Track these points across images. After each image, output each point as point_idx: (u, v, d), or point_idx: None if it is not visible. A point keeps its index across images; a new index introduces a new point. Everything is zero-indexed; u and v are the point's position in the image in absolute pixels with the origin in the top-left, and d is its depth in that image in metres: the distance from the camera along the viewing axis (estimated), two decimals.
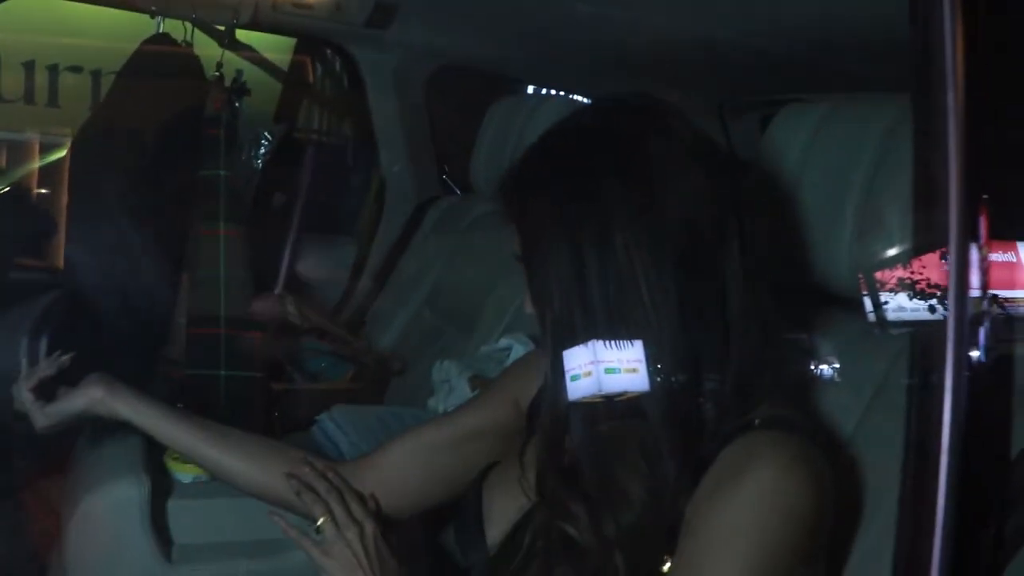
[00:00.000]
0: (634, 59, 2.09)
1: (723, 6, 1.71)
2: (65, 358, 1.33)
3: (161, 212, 2.27)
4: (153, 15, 2.40)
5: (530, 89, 3.04)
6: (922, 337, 0.76)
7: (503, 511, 1.11)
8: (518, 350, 1.79)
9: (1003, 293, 0.83)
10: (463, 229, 2.51)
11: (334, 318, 2.67)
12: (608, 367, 0.91)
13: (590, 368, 0.91)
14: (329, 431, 1.85)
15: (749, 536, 0.87)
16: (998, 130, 0.76)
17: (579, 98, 2.72)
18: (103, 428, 1.64)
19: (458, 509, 1.18)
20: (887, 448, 1.02)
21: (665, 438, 0.93)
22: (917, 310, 0.78)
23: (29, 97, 3.42)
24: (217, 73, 2.35)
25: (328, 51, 3.03)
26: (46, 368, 1.33)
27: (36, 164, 3.32)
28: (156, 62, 2.42)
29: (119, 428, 1.33)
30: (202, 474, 1.67)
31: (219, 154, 2.16)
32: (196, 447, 1.27)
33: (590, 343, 0.91)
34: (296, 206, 2.79)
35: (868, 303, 0.82)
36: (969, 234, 0.71)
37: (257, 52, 2.80)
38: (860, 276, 0.84)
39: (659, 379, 0.91)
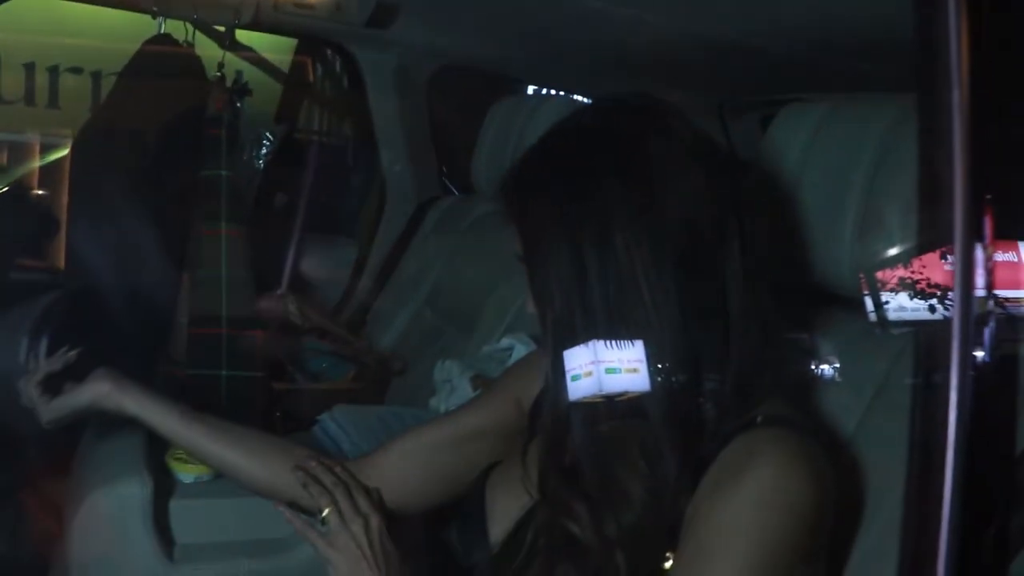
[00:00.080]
0: (634, 59, 2.09)
1: (723, 6, 1.71)
2: (72, 353, 1.34)
3: (162, 212, 2.27)
4: (154, 15, 2.40)
5: (531, 89, 3.04)
6: (926, 337, 0.76)
7: (505, 510, 1.11)
8: (520, 350, 1.79)
9: (1006, 293, 0.83)
10: (464, 229, 2.51)
11: (335, 318, 2.67)
12: (609, 367, 0.91)
13: (591, 368, 0.91)
14: (330, 431, 1.85)
15: (749, 534, 0.87)
16: (1003, 128, 0.76)
17: (580, 98, 2.72)
18: (108, 423, 1.64)
19: (460, 508, 1.18)
20: (888, 448, 1.02)
21: (666, 438, 0.93)
22: (918, 310, 0.78)
23: (29, 98, 3.42)
24: (218, 73, 2.35)
25: (329, 51, 3.03)
26: (53, 363, 1.33)
27: (36, 164, 3.33)
28: (158, 62, 2.42)
29: (124, 423, 1.33)
30: (204, 474, 1.67)
31: (221, 154, 2.16)
32: (200, 443, 1.27)
33: (591, 343, 0.91)
34: (297, 206, 2.79)
35: (869, 303, 0.82)
36: (974, 233, 0.71)
37: (258, 53, 2.80)
38: (861, 276, 0.84)
39: (660, 379, 0.91)
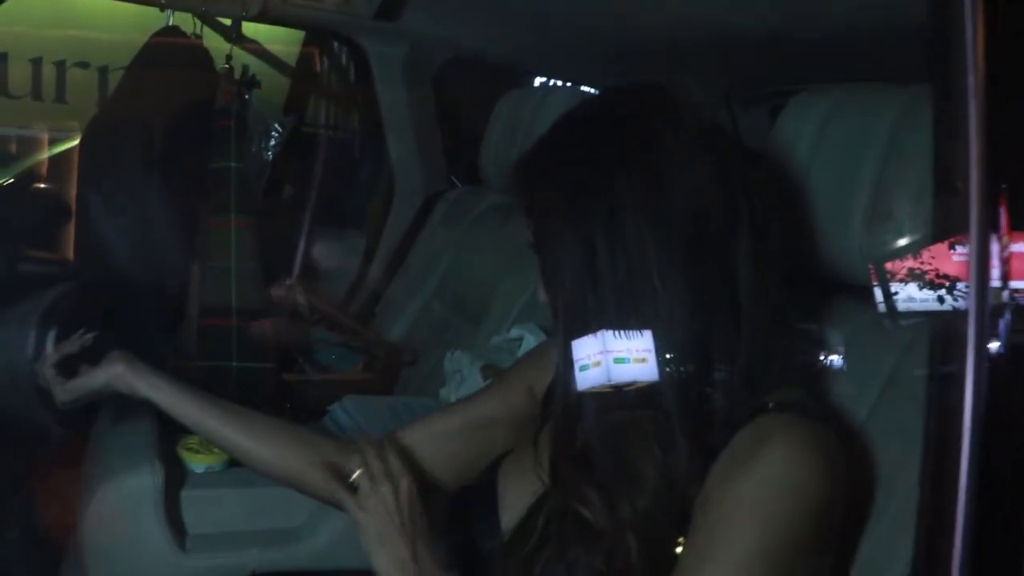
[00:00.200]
0: (643, 50, 2.08)
1: None
2: (88, 336, 1.34)
3: (171, 204, 2.27)
4: (162, 8, 2.40)
5: (538, 81, 3.03)
6: (940, 328, 0.76)
7: (517, 498, 1.11)
8: (529, 340, 1.79)
9: (1019, 284, 0.82)
10: (472, 221, 2.51)
11: (344, 309, 2.68)
12: (617, 357, 0.91)
13: (599, 358, 0.91)
14: (341, 421, 1.86)
15: (759, 517, 0.87)
16: (1019, 116, 0.75)
17: (588, 89, 2.71)
18: (119, 413, 1.65)
19: (472, 496, 1.18)
20: (899, 439, 1.02)
21: (676, 426, 0.93)
22: (927, 300, 0.78)
23: (36, 93, 3.42)
24: (227, 65, 2.35)
25: (337, 43, 3.03)
26: (69, 346, 1.33)
27: (45, 157, 3.33)
28: (166, 54, 2.42)
29: (135, 413, 1.34)
30: (215, 464, 1.68)
31: (229, 146, 2.17)
32: (213, 427, 1.27)
33: (599, 333, 0.91)
34: (306, 198, 2.79)
35: (878, 293, 0.82)
36: (989, 223, 0.71)
37: (265, 46, 2.80)
38: (871, 266, 0.84)
39: (669, 368, 0.92)
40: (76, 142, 2.72)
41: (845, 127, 1.20)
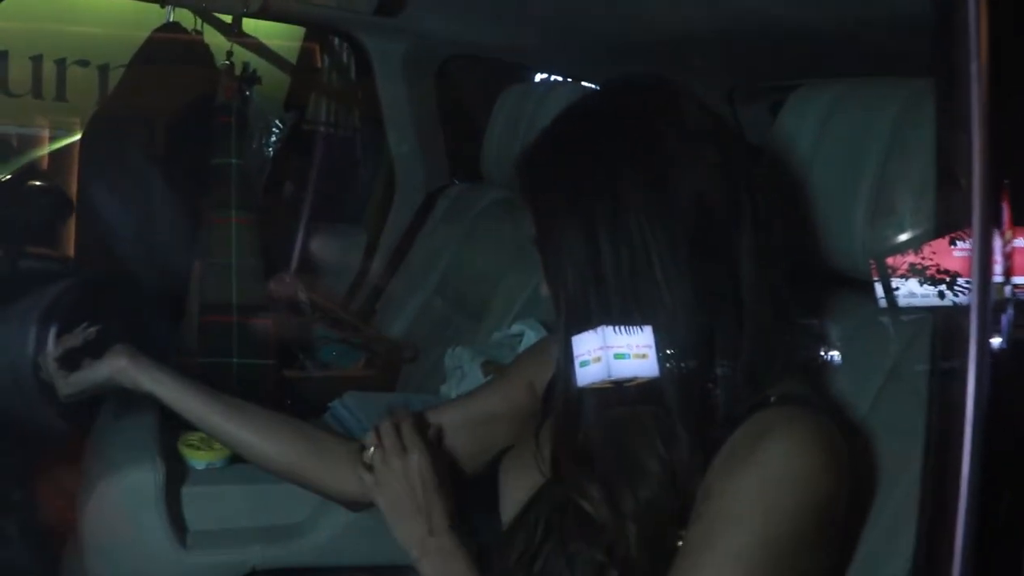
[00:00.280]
0: (645, 46, 2.08)
1: None
2: (91, 330, 1.34)
3: (173, 200, 2.27)
4: (163, 4, 2.39)
5: (539, 77, 3.03)
6: (942, 323, 0.76)
7: (517, 493, 1.11)
8: (530, 336, 1.79)
9: (1022, 279, 0.82)
10: (473, 217, 2.51)
11: (345, 306, 2.68)
12: (617, 353, 0.91)
13: (599, 354, 0.91)
14: (342, 417, 1.86)
15: (760, 510, 0.87)
16: (1022, 112, 0.75)
17: (589, 85, 2.71)
18: (121, 409, 1.65)
19: (473, 491, 1.18)
20: (900, 433, 1.02)
21: (678, 422, 0.93)
22: (928, 296, 0.78)
23: (37, 91, 3.42)
24: (227, 62, 2.34)
25: (337, 39, 3.03)
26: (72, 339, 1.33)
27: (46, 153, 3.33)
28: (167, 50, 2.41)
29: (136, 409, 1.34)
30: (216, 460, 1.68)
31: (230, 142, 2.17)
32: (216, 421, 1.27)
33: (599, 329, 0.91)
34: (307, 194, 2.79)
35: (881, 288, 0.82)
36: (992, 219, 0.70)
37: (265, 44, 2.79)
38: (872, 262, 0.84)
39: (670, 364, 0.91)
40: (77, 137, 2.73)
41: (847, 122, 1.20)
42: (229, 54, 2.35)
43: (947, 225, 0.75)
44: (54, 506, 1.75)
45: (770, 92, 2.47)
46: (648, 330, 0.91)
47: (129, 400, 1.31)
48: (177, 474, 1.63)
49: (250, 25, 2.59)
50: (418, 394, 2.04)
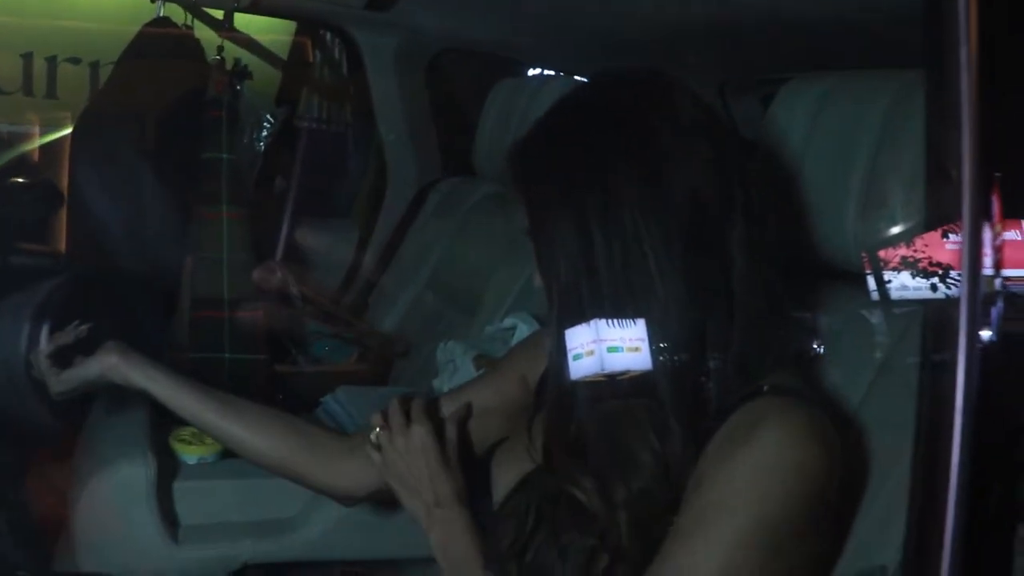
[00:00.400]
0: (637, 39, 2.08)
1: None
2: (83, 327, 1.34)
3: (163, 195, 2.27)
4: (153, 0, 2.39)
5: (531, 72, 3.03)
6: (933, 316, 0.76)
7: (510, 485, 1.11)
8: (523, 329, 1.79)
9: (1012, 272, 0.83)
10: (465, 211, 2.51)
11: (337, 301, 2.67)
12: (610, 346, 0.91)
13: (592, 347, 0.91)
14: (334, 412, 1.86)
15: (752, 498, 0.87)
16: (1012, 104, 0.75)
17: (581, 79, 2.71)
18: (112, 405, 1.65)
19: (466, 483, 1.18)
20: (892, 425, 1.02)
21: (671, 414, 0.93)
22: (921, 289, 0.78)
23: (28, 88, 3.41)
24: (218, 56, 2.34)
25: (329, 34, 3.02)
26: (63, 336, 1.33)
27: (36, 149, 3.31)
28: (157, 45, 2.41)
29: (128, 405, 1.33)
30: (207, 455, 1.68)
31: (221, 137, 2.16)
32: (208, 417, 1.27)
33: (593, 322, 0.91)
34: (298, 189, 2.78)
35: (872, 281, 0.82)
36: (982, 212, 0.71)
37: (256, 39, 2.78)
38: (864, 255, 0.84)
39: (662, 357, 0.91)
40: (68, 131, 2.72)
41: (838, 115, 1.20)
42: (220, 49, 2.35)
43: (937, 218, 0.75)
44: (46, 502, 1.75)
45: (762, 86, 2.47)
46: (641, 323, 0.91)
47: (121, 397, 1.31)
48: (169, 469, 1.63)
49: (241, 20, 2.58)
50: (410, 388, 2.04)
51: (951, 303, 0.71)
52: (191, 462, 1.68)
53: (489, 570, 1.08)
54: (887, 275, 0.80)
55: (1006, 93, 0.75)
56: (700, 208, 0.93)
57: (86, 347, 1.31)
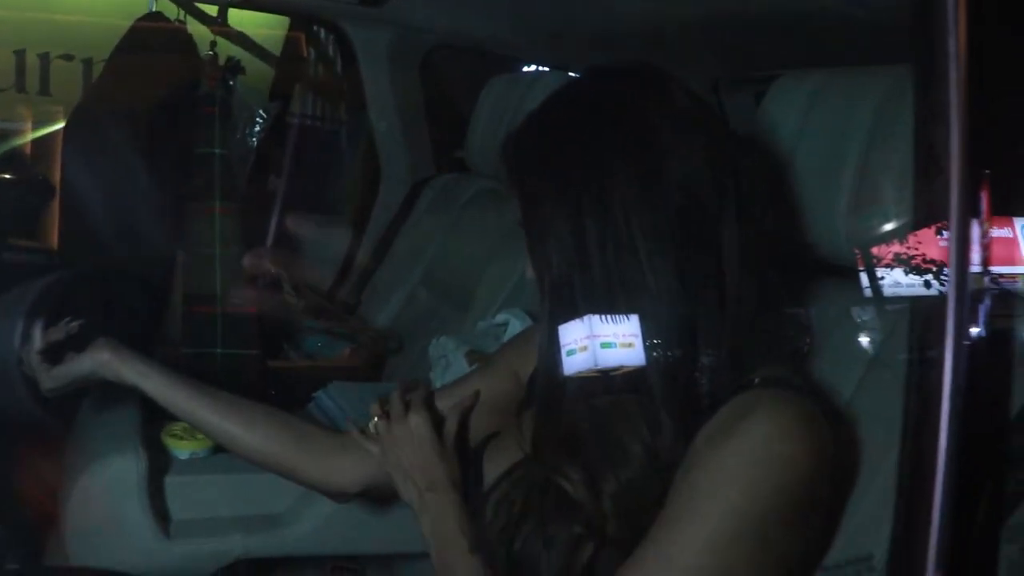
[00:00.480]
0: (631, 36, 2.08)
1: None
2: (74, 324, 1.34)
3: (156, 190, 2.27)
4: None
5: (525, 68, 3.03)
6: (921, 312, 0.77)
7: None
8: (515, 325, 1.79)
9: (1001, 269, 0.83)
10: (459, 207, 2.51)
11: (330, 297, 2.67)
12: (604, 341, 0.91)
13: (586, 343, 0.91)
14: (327, 407, 1.85)
15: (740, 486, 0.87)
16: (1002, 101, 0.76)
17: (575, 76, 2.70)
18: (104, 400, 1.64)
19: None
20: (883, 420, 1.02)
21: (662, 410, 0.93)
22: (914, 285, 0.78)
23: (20, 85, 3.40)
24: (211, 52, 2.33)
25: (322, 29, 3.02)
26: (55, 333, 1.33)
27: (28, 144, 3.31)
28: (150, 39, 2.41)
29: (119, 400, 1.33)
30: (199, 450, 1.67)
31: (214, 132, 2.16)
32: (201, 414, 1.27)
33: (586, 318, 0.91)
34: (291, 185, 2.78)
35: (864, 277, 0.82)
36: (970, 209, 0.71)
37: (249, 36, 2.78)
38: (856, 251, 0.84)
39: (656, 352, 0.92)
40: (60, 125, 2.71)
41: (829, 111, 1.20)
42: (213, 44, 2.34)
43: (926, 215, 0.75)
44: (37, 496, 1.75)
45: (756, 82, 2.47)
46: (635, 319, 0.91)
47: (112, 392, 1.31)
48: (160, 464, 1.63)
49: (234, 16, 2.58)
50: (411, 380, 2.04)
51: (939, 299, 0.72)
52: (183, 457, 1.67)
53: (477, 554, 1.09)
54: (879, 271, 0.80)
55: (998, 90, 0.75)
56: (692, 200, 0.93)
57: (77, 343, 1.31)
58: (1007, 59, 0.76)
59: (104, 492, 1.56)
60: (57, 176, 2.67)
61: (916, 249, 0.77)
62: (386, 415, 1.20)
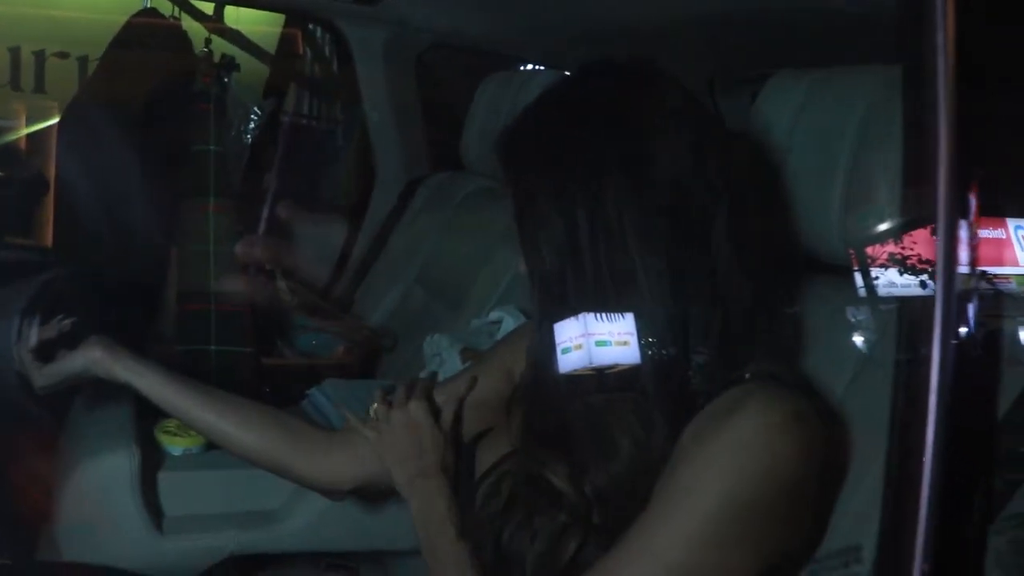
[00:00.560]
0: (626, 35, 2.08)
1: None
2: (66, 322, 1.34)
3: (150, 187, 2.26)
4: None
5: (520, 67, 3.03)
6: (909, 312, 0.77)
7: None
8: (509, 323, 1.79)
9: (991, 269, 0.83)
10: (454, 205, 2.51)
11: (325, 295, 2.67)
12: (599, 339, 0.91)
13: (581, 341, 0.92)
14: (320, 405, 1.85)
15: (729, 478, 0.87)
16: (990, 103, 0.76)
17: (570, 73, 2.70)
18: (97, 396, 1.64)
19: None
20: (874, 418, 1.02)
21: (655, 407, 0.93)
22: (908, 285, 0.78)
23: (16, 83, 3.40)
24: (206, 49, 2.33)
25: (318, 27, 3.01)
26: (47, 331, 1.33)
27: (23, 140, 3.30)
28: (145, 35, 2.40)
29: (112, 396, 1.33)
30: (192, 446, 1.68)
31: (209, 129, 2.15)
32: (194, 412, 1.27)
33: (581, 316, 0.92)
34: (285, 182, 2.78)
35: (858, 277, 0.83)
36: (957, 210, 0.71)
37: (243, 33, 2.78)
38: (850, 250, 0.84)
39: (650, 350, 0.92)
40: (54, 121, 2.71)
41: (822, 110, 1.20)
42: (208, 41, 2.34)
43: (915, 215, 0.76)
44: (30, 493, 1.75)
45: (751, 81, 2.47)
46: (629, 317, 0.91)
47: (106, 388, 1.31)
48: (153, 460, 1.63)
49: (229, 13, 2.58)
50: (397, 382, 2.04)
51: (926, 300, 0.72)
52: (176, 453, 1.68)
53: (463, 540, 1.09)
54: (872, 270, 0.80)
55: (990, 92, 0.75)
56: (684, 195, 0.93)
57: (70, 341, 1.31)
58: (997, 55, 0.77)
59: (97, 488, 1.56)
60: (52, 172, 2.67)
61: (908, 248, 0.77)
62: (387, 403, 1.22)
